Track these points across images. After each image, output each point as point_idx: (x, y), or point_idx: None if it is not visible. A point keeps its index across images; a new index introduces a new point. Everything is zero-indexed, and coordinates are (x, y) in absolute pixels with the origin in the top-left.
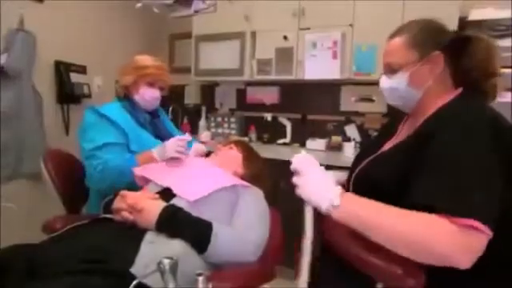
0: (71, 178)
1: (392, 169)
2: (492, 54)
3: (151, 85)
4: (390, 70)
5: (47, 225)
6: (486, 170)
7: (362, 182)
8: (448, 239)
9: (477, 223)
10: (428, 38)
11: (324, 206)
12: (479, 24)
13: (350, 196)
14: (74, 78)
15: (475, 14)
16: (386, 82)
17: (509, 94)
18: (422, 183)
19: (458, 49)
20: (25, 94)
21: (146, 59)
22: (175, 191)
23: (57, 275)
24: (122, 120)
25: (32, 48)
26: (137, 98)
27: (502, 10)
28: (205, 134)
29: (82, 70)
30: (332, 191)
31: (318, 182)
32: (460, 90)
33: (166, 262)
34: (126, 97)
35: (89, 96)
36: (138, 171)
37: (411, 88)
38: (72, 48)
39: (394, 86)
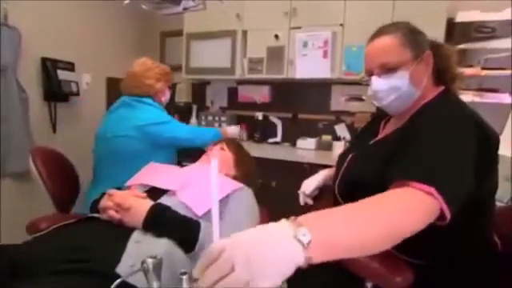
0: (60, 176)
1: (373, 166)
2: (452, 59)
3: (169, 88)
4: (386, 69)
5: (32, 225)
6: (461, 158)
7: (346, 182)
8: (421, 220)
9: (434, 191)
10: (418, 37)
11: (299, 257)
12: (466, 26)
13: (308, 218)
14: (62, 75)
15: (462, 16)
16: (383, 83)
17: (506, 95)
18: (398, 162)
19: (433, 51)
20: (9, 91)
21: (165, 66)
22: (186, 203)
23: (42, 275)
24: None
25: (16, 44)
26: (163, 99)
27: (487, 13)
28: None
29: (69, 67)
30: (288, 229)
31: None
32: (441, 88)
33: (150, 261)
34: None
35: (77, 94)
36: (135, 181)
37: (413, 86)
38: (60, 45)
39: (395, 86)
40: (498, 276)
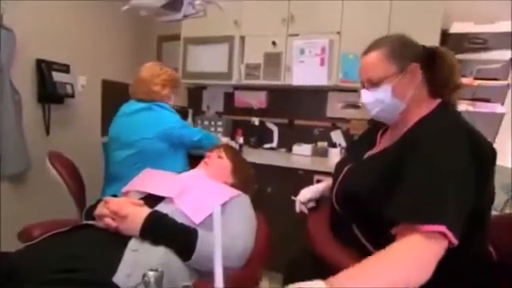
0: (76, 179)
1: (370, 180)
2: (456, 69)
3: (176, 93)
4: (372, 83)
5: (24, 232)
6: (461, 183)
7: (344, 192)
8: (421, 271)
9: (444, 228)
10: (405, 50)
11: None
12: (460, 37)
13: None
14: (57, 76)
15: (456, 28)
16: (369, 96)
17: (498, 104)
18: (398, 198)
19: (429, 61)
20: (3, 92)
21: (172, 72)
22: (184, 210)
23: (36, 285)
24: None
25: (11, 45)
26: (169, 104)
27: (480, 25)
28: None
29: (65, 68)
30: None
31: None
32: (438, 101)
33: (151, 274)
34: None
35: (72, 96)
36: (131, 188)
37: (396, 99)
38: (55, 46)
39: (379, 99)
40: (496, 286)
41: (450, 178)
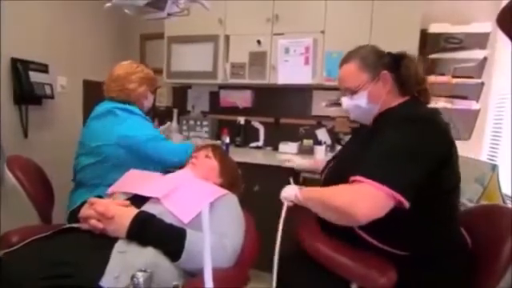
0: (39, 185)
1: (353, 155)
2: (418, 68)
3: (153, 92)
4: (350, 91)
5: (2, 239)
6: (410, 157)
7: (331, 178)
8: (341, 196)
9: (369, 181)
10: (375, 60)
11: (294, 194)
12: (437, 36)
13: (306, 188)
14: (34, 77)
15: (434, 28)
16: (348, 103)
17: (474, 102)
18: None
19: (396, 65)
20: None
21: (149, 71)
22: (172, 210)
23: None
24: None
25: None
26: (145, 104)
27: (457, 26)
28: (176, 137)
29: (43, 68)
30: (296, 188)
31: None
32: (406, 98)
33: (140, 274)
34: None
35: (51, 97)
36: (117, 188)
37: (371, 104)
38: (32, 45)
39: (357, 104)
40: (467, 267)
41: (399, 152)
